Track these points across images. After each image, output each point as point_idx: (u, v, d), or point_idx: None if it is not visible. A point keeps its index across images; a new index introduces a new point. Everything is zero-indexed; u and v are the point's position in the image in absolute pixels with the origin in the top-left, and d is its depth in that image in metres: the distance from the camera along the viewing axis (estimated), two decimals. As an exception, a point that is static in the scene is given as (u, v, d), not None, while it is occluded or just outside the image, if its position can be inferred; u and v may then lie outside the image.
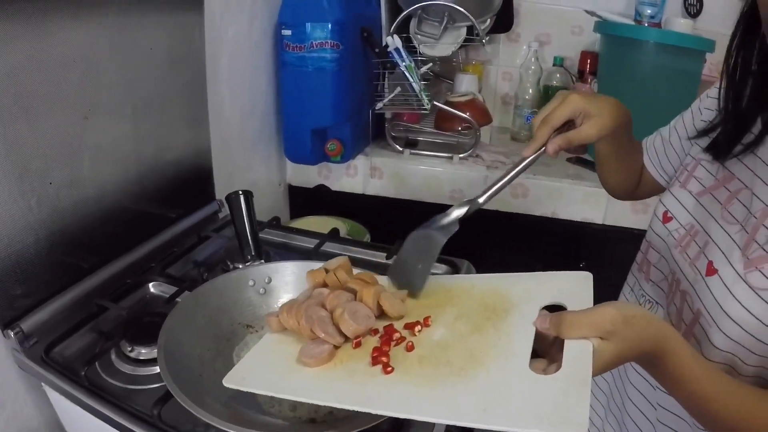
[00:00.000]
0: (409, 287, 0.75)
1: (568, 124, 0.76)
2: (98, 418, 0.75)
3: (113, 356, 0.84)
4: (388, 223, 1.53)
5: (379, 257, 1.13)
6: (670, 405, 0.75)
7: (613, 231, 1.62)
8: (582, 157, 1.74)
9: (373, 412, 0.57)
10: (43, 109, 0.84)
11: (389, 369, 0.61)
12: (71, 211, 0.92)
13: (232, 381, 0.65)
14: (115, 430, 0.74)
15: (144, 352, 0.84)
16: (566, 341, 0.55)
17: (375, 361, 0.62)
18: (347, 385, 0.60)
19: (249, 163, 1.57)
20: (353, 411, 0.60)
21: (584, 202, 1.61)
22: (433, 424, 0.76)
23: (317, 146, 1.62)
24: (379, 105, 1.63)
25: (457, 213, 0.75)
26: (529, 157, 0.75)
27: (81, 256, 0.96)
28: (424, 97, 1.58)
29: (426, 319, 0.68)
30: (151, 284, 1.03)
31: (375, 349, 0.64)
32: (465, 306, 0.69)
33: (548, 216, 1.65)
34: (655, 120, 0.95)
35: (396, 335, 0.66)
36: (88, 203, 0.95)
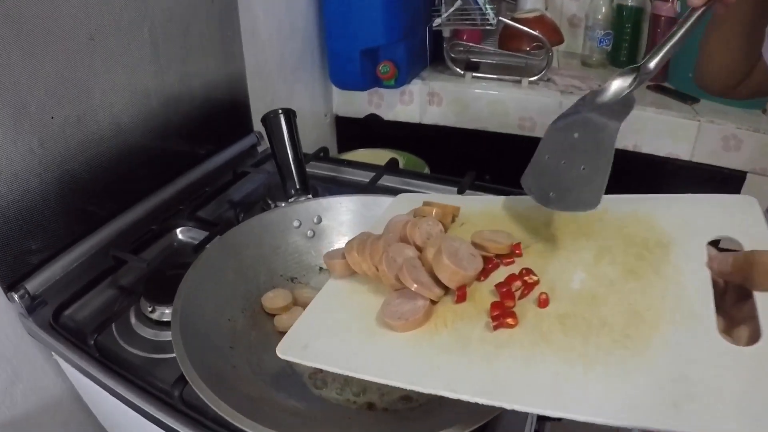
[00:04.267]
0: (560, 203, 0.54)
1: None
2: (111, 395, 0.64)
3: (132, 318, 0.72)
4: (448, 155, 1.40)
5: (448, 192, 0.95)
6: None
7: (702, 170, 1.40)
8: (662, 85, 1.53)
9: (508, 407, 0.39)
10: (40, 32, 0.70)
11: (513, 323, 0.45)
12: (81, 151, 0.79)
13: (287, 350, 0.49)
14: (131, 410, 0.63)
15: (167, 313, 0.70)
16: (758, 296, 0.40)
17: (498, 325, 0.45)
18: (463, 362, 0.43)
19: (290, 91, 1.43)
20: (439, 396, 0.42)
21: (670, 134, 1.40)
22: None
23: (367, 69, 1.46)
24: (437, 21, 1.45)
25: (622, 84, 0.60)
26: (700, 8, 0.59)
27: (96, 202, 0.83)
28: (489, 10, 1.38)
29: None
30: (178, 230, 0.91)
31: (494, 305, 0.46)
32: (603, 238, 0.51)
33: (630, 149, 1.45)
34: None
35: (516, 283, 0.48)
36: (102, 141, 0.82)
